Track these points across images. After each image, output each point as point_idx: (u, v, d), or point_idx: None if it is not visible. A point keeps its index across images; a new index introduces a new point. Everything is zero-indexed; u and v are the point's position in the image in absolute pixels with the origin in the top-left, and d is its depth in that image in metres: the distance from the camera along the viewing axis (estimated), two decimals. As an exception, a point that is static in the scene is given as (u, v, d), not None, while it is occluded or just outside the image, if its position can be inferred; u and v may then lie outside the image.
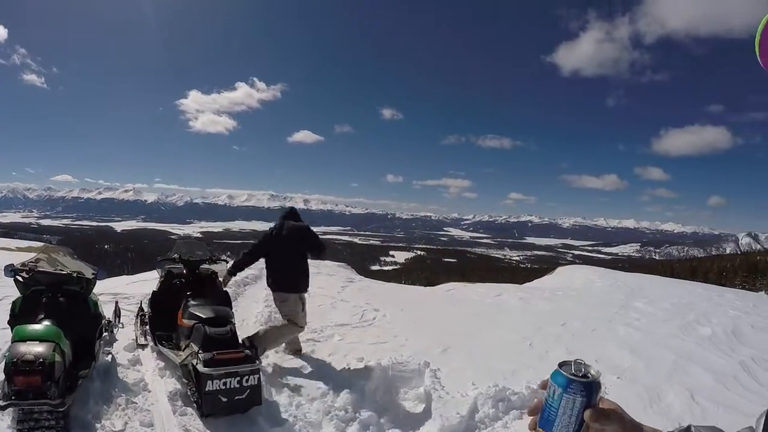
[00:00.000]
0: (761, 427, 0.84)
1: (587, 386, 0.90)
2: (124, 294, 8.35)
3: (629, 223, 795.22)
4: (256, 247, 5.90)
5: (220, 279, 5.69)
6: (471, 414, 4.46)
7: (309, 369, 5.67)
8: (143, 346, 5.61)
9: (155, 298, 5.53)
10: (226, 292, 5.66)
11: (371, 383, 4.86)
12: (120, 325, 5.89)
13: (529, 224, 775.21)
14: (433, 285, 15.37)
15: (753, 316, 10.87)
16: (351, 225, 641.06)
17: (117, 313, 5.99)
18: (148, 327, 5.49)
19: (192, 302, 4.87)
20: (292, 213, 6.09)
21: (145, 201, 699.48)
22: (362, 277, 15.79)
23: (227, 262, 6.00)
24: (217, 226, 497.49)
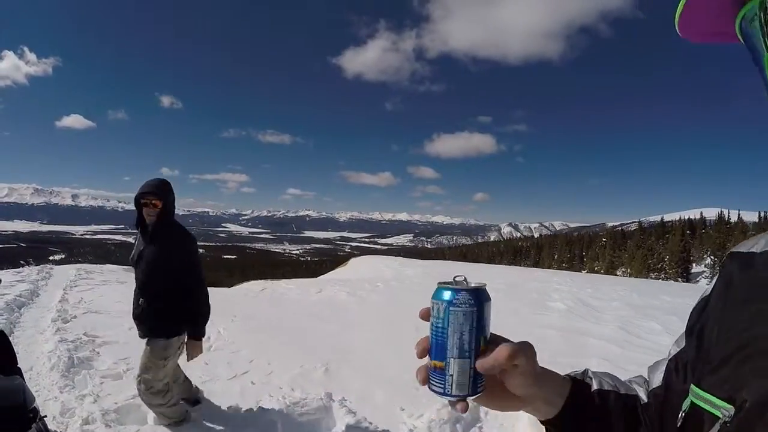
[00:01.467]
0: (656, 376, 0.83)
1: (474, 293, 0.70)
2: None
3: (402, 216, 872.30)
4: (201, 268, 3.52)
5: None
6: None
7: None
8: None
9: None
10: (2, 333, 2.76)
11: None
12: None
13: (308, 218, 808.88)
14: (217, 285, 13.63)
15: (584, 289, 11.46)
16: (124, 223, 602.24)
17: None
18: None
19: None
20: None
21: None
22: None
23: None
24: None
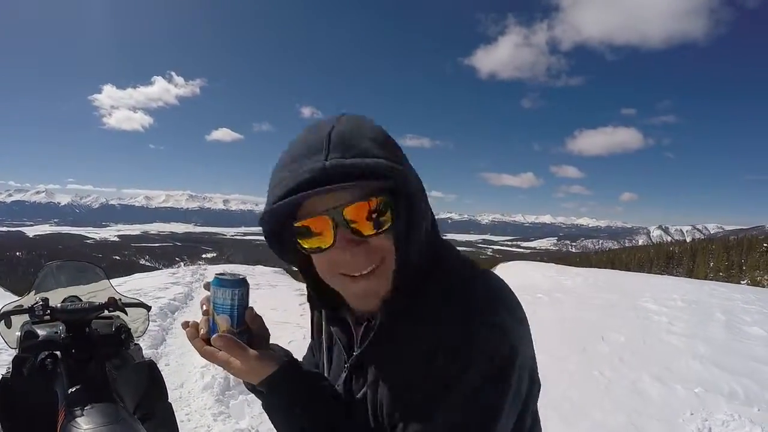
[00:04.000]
0: None
1: (236, 282, 0.97)
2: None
3: (546, 219, 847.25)
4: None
5: (137, 340, 2.21)
6: None
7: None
8: None
9: (5, 400, 1.93)
10: (151, 364, 2.21)
11: None
12: None
13: (449, 221, 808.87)
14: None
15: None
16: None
17: None
18: None
19: (82, 425, 1.59)
20: None
21: (58, 203, 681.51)
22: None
23: (147, 308, 2.28)
24: (134, 229, 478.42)
